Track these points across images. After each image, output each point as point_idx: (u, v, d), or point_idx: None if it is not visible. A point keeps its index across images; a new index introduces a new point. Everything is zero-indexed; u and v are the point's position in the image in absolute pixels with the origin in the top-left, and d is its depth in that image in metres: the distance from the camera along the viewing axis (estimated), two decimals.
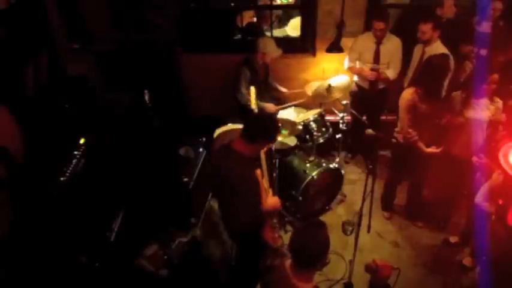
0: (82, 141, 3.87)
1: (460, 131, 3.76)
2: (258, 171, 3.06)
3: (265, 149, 3.25)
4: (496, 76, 3.54)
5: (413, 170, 4.15)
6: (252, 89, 3.64)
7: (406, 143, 3.86)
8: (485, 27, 4.25)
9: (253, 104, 3.54)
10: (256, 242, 3.15)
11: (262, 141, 2.88)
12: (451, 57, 4.08)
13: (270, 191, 3.21)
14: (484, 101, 3.63)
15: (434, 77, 3.62)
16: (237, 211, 2.93)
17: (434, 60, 3.71)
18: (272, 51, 4.49)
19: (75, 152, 3.77)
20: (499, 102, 3.65)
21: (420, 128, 3.77)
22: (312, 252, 2.26)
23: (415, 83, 3.89)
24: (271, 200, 3.10)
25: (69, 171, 3.63)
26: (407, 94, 3.76)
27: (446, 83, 3.73)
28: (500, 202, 3.12)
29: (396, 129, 3.96)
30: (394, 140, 3.95)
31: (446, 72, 3.70)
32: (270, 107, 4.56)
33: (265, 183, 3.14)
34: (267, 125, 2.87)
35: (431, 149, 3.84)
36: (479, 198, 3.27)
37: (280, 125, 3.08)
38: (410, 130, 3.79)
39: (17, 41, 3.99)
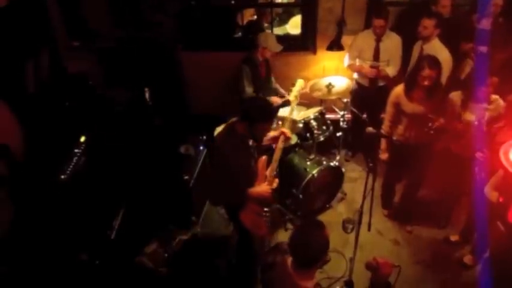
0: (83, 139, 3.87)
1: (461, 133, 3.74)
2: (263, 158, 3.16)
3: (283, 139, 3.34)
4: (495, 79, 3.47)
5: (412, 170, 4.12)
6: (300, 82, 3.63)
7: (405, 142, 3.84)
8: (485, 24, 4.24)
9: (292, 96, 3.53)
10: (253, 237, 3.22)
11: (244, 121, 2.98)
12: (449, 56, 4.08)
13: (276, 181, 3.31)
14: (483, 105, 3.58)
15: (412, 71, 3.60)
16: (215, 183, 3.16)
17: (424, 57, 3.67)
18: (272, 46, 4.48)
19: (76, 150, 3.78)
20: (498, 100, 3.62)
21: (405, 126, 3.77)
22: (311, 252, 2.27)
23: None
24: (261, 187, 3.20)
25: (69, 169, 3.64)
26: (398, 89, 3.77)
27: (426, 82, 3.58)
28: (501, 200, 3.12)
29: (383, 126, 3.97)
30: (394, 138, 3.94)
31: (421, 69, 3.54)
32: (274, 100, 4.62)
33: (269, 171, 3.23)
34: (249, 107, 3.00)
35: (384, 156, 3.96)
36: (488, 188, 3.26)
37: (266, 111, 3.08)
38: (388, 124, 3.83)
39: (17, 39, 3.99)
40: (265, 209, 3.35)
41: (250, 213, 3.26)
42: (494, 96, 3.58)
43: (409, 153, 3.90)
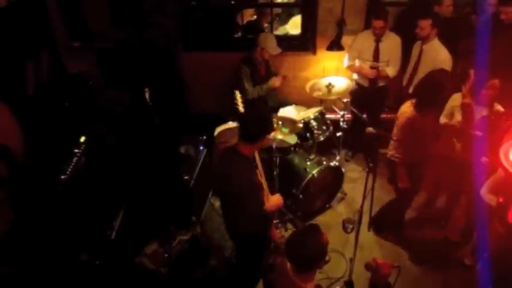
0: (82, 139, 3.87)
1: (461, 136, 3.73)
2: (259, 169, 3.09)
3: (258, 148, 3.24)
4: (496, 82, 3.45)
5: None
6: (237, 93, 3.58)
7: (414, 160, 3.69)
8: (482, 23, 4.25)
9: (241, 108, 3.48)
10: (256, 240, 3.18)
11: (261, 137, 2.87)
12: (449, 56, 4.07)
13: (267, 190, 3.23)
14: (484, 110, 3.56)
15: (432, 93, 3.45)
16: (245, 214, 2.95)
17: (436, 76, 3.54)
18: (271, 48, 4.49)
19: (76, 150, 3.78)
20: (501, 111, 3.59)
21: (416, 144, 3.59)
22: (307, 258, 2.27)
23: (413, 94, 3.66)
24: (274, 199, 3.14)
25: (69, 169, 3.64)
26: (407, 108, 3.57)
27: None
28: (501, 200, 3.12)
29: (389, 148, 3.72)
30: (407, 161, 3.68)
31: (443, 91, 3.49)
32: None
33: (263, 183, 3.15)
34: (259, 121, 2.86)
35: (405, 183, 3.72)
36: (484, 190, 3.26)
37: (273, 118, 3.05)
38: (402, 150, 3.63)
39: (17, 39, 4.00)
40: (277, 220, 3.33)
41: (274, 230, 3.28)
42: (498, 106, 3.57)
43: (418, 169, 3.77)
